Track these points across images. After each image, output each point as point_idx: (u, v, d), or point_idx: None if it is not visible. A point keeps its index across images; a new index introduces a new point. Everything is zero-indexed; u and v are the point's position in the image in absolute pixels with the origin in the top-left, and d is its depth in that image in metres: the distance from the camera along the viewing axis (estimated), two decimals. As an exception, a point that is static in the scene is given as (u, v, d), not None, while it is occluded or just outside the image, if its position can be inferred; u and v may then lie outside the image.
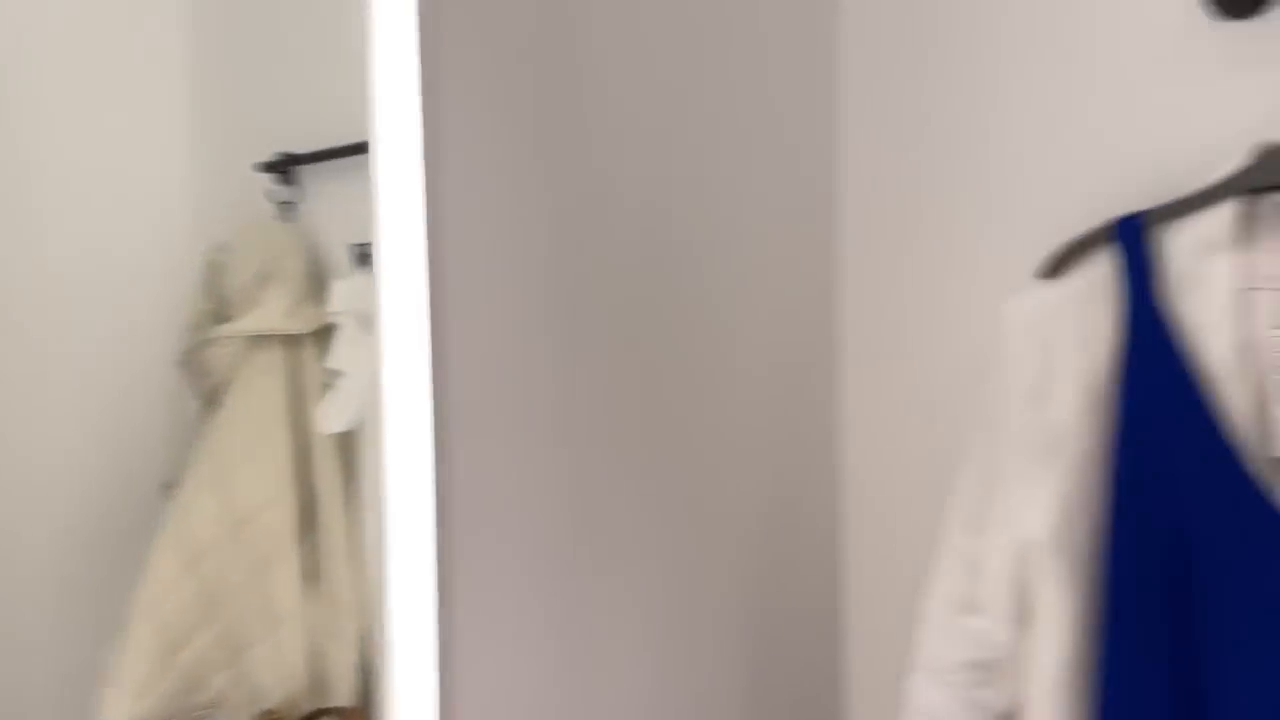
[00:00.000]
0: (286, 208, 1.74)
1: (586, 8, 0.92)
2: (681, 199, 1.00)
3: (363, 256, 1.51)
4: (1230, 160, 0.78)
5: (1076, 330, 0.81)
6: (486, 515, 0.84)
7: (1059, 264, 0.84)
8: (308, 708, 1.59)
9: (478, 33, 0.81)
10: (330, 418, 1.48)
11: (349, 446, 1.62)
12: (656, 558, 0.98)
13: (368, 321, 1.45)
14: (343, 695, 1.52)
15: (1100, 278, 0.82)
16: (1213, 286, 0.78)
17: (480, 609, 0.85)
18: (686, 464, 1.01)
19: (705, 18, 1.01)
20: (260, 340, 1.66)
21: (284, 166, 1.73)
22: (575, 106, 0.91)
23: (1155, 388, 0.78)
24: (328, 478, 1.59)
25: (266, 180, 1.76)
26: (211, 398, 1.73)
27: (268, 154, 1.76)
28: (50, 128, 1.80)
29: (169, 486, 1.78)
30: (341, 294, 1.57)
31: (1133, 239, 0.80)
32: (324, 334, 1.66)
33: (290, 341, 1.67)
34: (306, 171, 1.72)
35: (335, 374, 1.53)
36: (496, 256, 0.84)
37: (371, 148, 0.77)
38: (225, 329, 1.68)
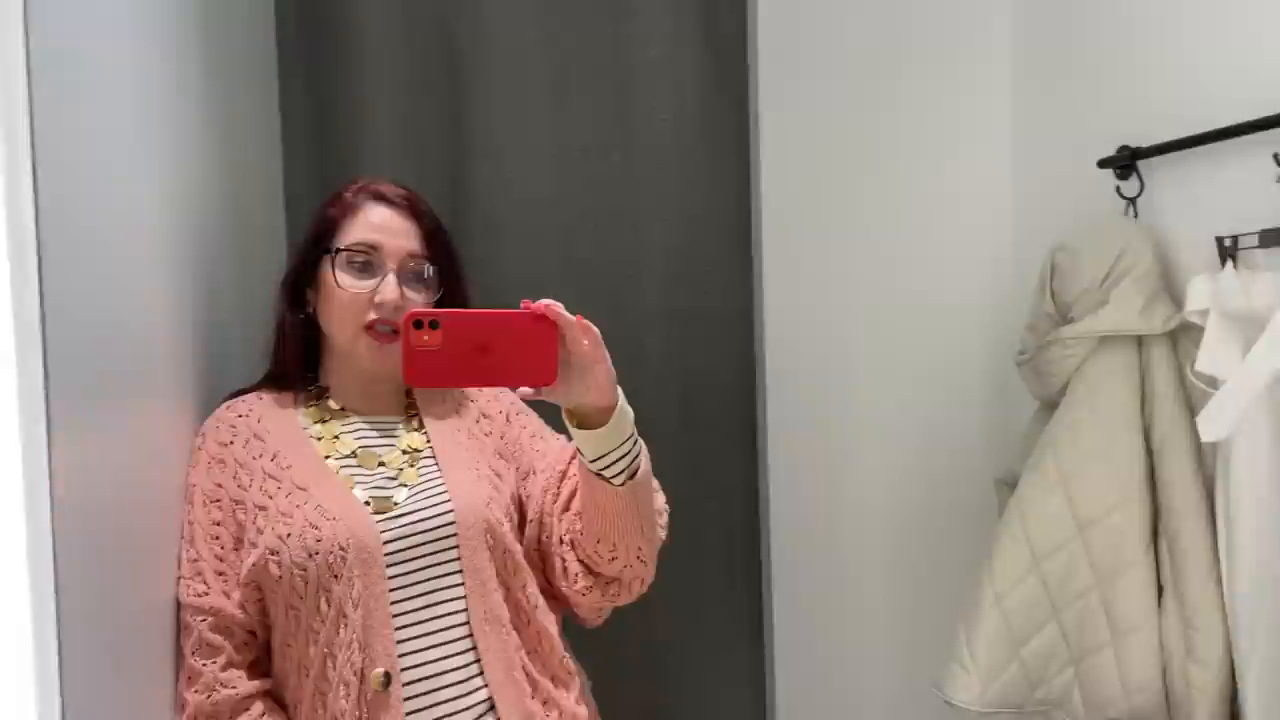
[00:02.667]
0: (1131, 203, 1.59)
1: None
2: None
3: (1227, 250, 1.38)
4: None
5: None
6: None
7: None
8: None
9: None
10: (1209, 424, 1.32)
11: (1206, 453, 1.46)
12: None
13: (1239, 321, 1.32)
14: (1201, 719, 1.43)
15: None
16: None
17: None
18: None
19: None
20: (1108, 341, 1.51)
21: (1126, 160, 1.59)
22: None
23: None
24: (1180, 485, 1.45)
25: (1108, 176, 1.64)
26: (1051, 398, 1.60)
27: (1107, 149, 1.63)
28: (890, 132, 1.98)
29: (1004, 482, 1.70)
30: (1201, 291, 1.39)
31: None
32: (1179, 335, 1.49)
33: (1140, 342, 1.51)
34: (1152, 164, 1.57)
35: (1203, 378, 1.38)
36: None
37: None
38: (1070, 330, 1.53)
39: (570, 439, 1.18)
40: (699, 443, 1.87)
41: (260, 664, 1.20)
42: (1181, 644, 1.46)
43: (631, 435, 1.16)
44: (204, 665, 1.14)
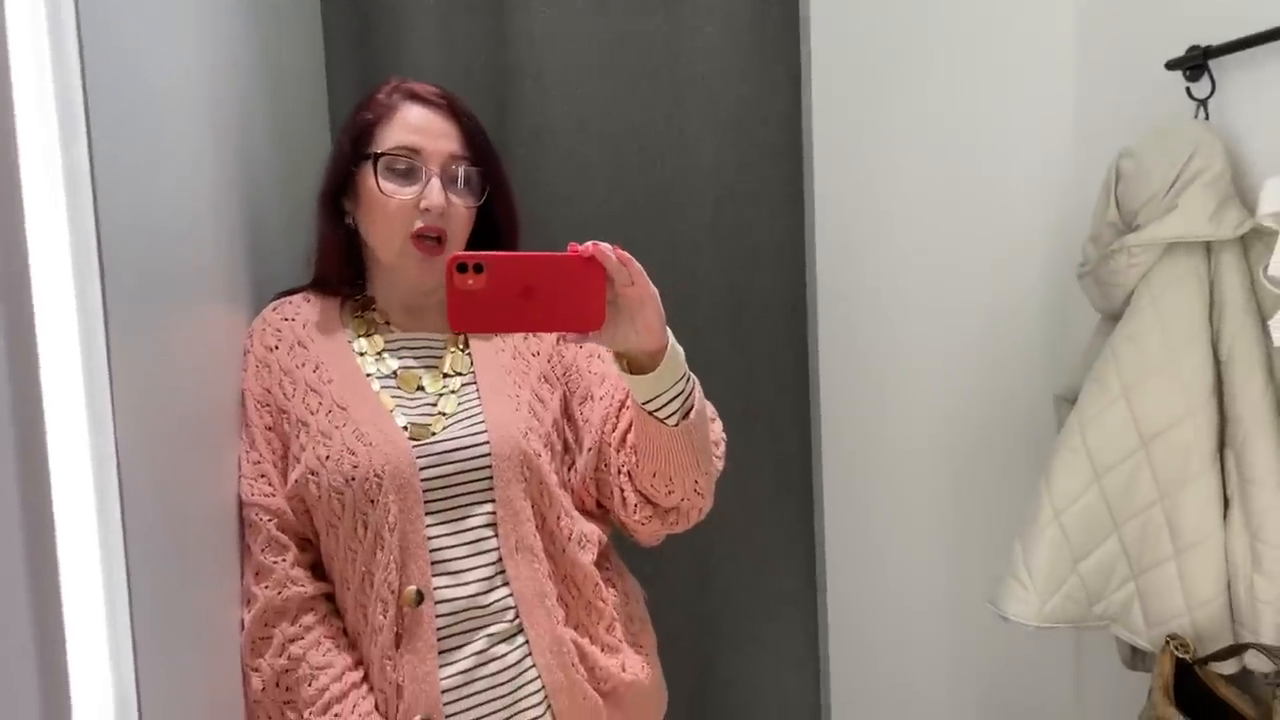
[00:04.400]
0: (1202, 105, 1.54)
1: None
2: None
3: None
4: None
5: None
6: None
7: None
8: (1223, 640, 1.46)
9: None
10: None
11: (1276, 362, 1.44)
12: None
13: None
14: (1267, 634, 1.36)
15: None
16: None
17: None
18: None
19: None
20: (1174, 248, 1.48)
21: (1197, 61, 1.53)
22: None
23: None
24: (1248, 395, 1.42)
25: (1177, 78, 1.59)
26: (1113, 310, 1.58)
27: (1177, 49, 1.58)
28: (946, 37, 1.91)
29: (1064, 399, 1.69)
30: (1276, 193, 1.35)
31: None
32: (1249, 239, 1.45)
33: (1209, 249, 1.48)
34: (1224, 64, 1.52)
35: (1276, 282, 1.34)
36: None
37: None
38: (1135, 238, 1.49)
39: None
40: (750, 362, 1.85)
41: (319, 567, 1.22)
42: (1248, 557, 1.43)
43: (684, 375, 1.13)
44: (274, 562, 1.16)
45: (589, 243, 1.02)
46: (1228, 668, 1.48)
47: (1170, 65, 1.59)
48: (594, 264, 1.02)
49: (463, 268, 1.00)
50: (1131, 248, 1.51)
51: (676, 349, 1.11)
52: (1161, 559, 1.52)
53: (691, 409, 1.14)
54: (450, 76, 1.72)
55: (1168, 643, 1.49)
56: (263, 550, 1.17)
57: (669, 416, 1.13)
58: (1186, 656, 1.48)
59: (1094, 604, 1.61)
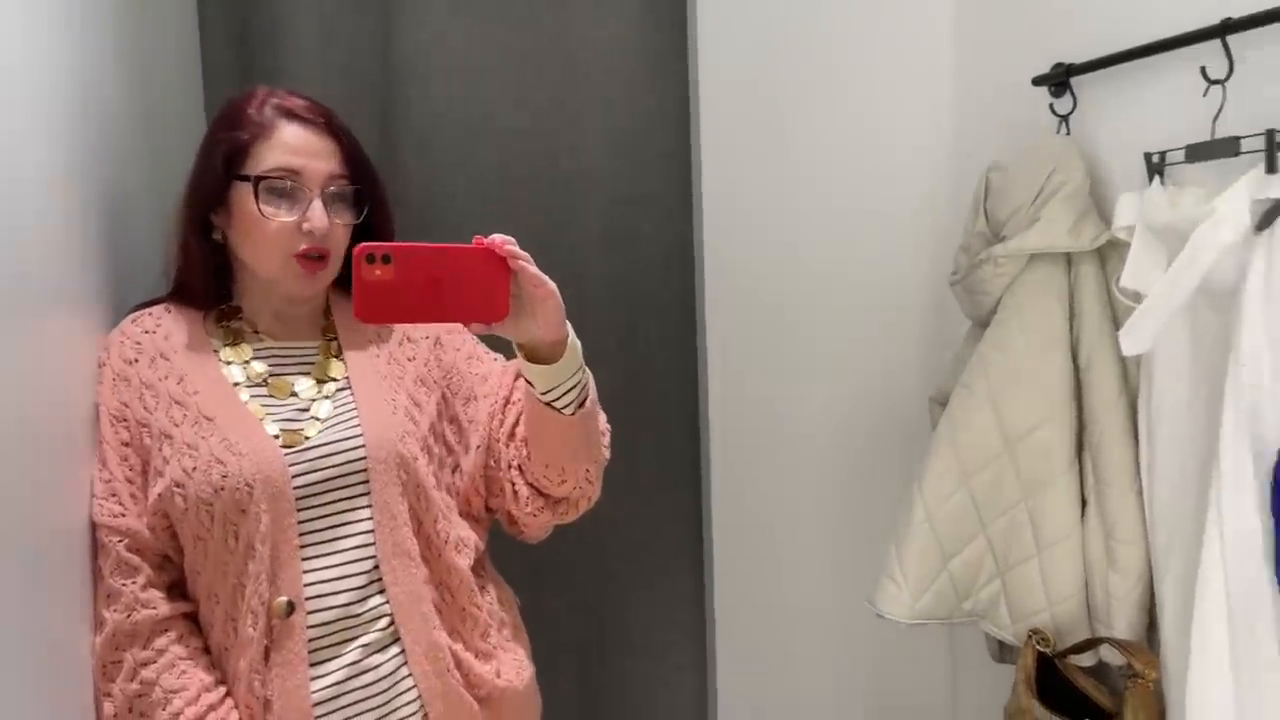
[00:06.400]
0: (1064, 120, 1.58)
1: None
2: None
3: (1155, 166, 1.37)
4: None
5: None
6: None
7: None
8: (1082, 634, 1.44)
9: None
10: (1130, 338, 1.29)
11: (1130, 370, 1.47)
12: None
13: (1164, 236, 1.31)
14: (1120, 628, 1.52)
15: None
16: None
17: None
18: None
19: None
20: (1038, 259, 1.52)
21: (1060, 78, 1.57)
22: None
23: None
24: (1104, 400, 1.46)
25: (1043, 94, 1.63)
26: (982, 318, 1.61)
27: (1044, 66, 1.61)
28: (830, 50, 1.96)
29: (937, 401, 1.71)
30: (1129, 207, 1.39)
31: None
32: (1106, 251, 1.50)
33: (1069, 260, 1.52)
34: (1084, 81, 1.55)
35: (1127, 293, 1.39)
36: None
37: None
38: (1001, 248, 1.53)
39: (508, 358, 1.20)
40: (640, 363, 1.88)
41: (179, 586, 1.19)
42: (1103, 554, 1.49)
43: (580, 367, 1.17)
44: (123, 585, 1.13)
45: (494, 235, 1.05)
46: (1085, 660, 1.54)
47: (1036, 81, 1.65)
48: (498, 256, 1.05)
49: (371, 258, 1.01)
50: (998, 258, 1.56)
51: (576, 342, 1.16)
52: (1025, 557, 1.58)
53: (587, 398, 1.19)
54: (333, 77, 1.70)
55: (1030, 637, 1.55)
56: (111, 573, 1.13)
57: (566, 406, 1.17)
58: (1047, 650, 1.54)
59: (963, 600, 1.66)
